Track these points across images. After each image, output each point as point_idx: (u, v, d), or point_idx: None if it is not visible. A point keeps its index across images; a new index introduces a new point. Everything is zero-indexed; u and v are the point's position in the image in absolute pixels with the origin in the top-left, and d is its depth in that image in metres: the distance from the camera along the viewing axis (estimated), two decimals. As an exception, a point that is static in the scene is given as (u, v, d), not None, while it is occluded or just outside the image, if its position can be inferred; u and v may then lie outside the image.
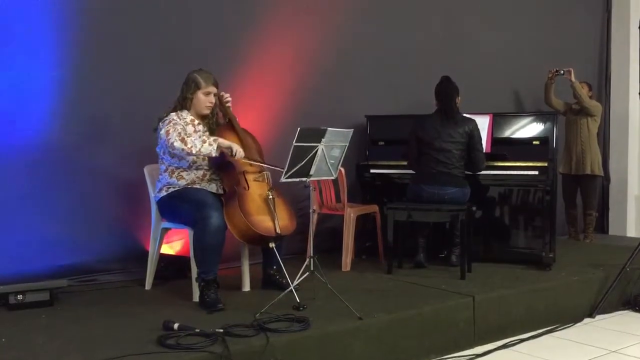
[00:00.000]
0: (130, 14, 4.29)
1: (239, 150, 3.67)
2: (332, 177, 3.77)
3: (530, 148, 4.90)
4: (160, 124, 3.73)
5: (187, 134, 3.66)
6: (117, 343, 2.88)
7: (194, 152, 3.59)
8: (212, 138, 3.66)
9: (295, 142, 3.34)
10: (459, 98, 4.74)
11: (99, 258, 4.20)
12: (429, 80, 4.82)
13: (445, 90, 4.66)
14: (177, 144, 3.58)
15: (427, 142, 4.59)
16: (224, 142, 3.67)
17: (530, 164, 4.74)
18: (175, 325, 3.03)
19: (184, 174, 3.80)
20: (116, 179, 4.27)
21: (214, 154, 3.62)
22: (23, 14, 3.92)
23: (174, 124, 3.68)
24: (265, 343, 2.88)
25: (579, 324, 4.23)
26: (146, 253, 4.10)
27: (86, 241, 4.14)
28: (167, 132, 3.63)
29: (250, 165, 3.84)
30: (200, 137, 3.65)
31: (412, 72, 5.64)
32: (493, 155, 4.84)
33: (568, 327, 4.15)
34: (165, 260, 4.20)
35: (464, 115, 4.68)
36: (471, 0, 6.12)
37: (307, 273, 3.55)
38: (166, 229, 3.99)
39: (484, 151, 4.66)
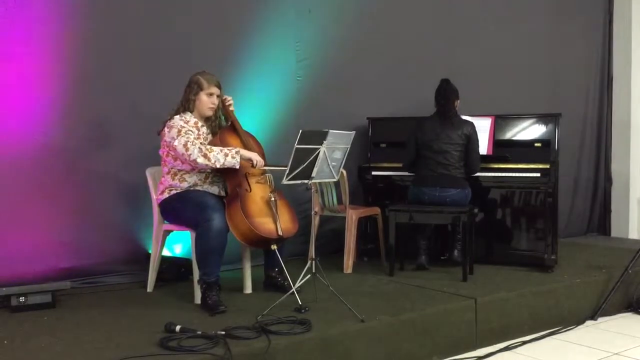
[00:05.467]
0: (133, 17, 4.30)
1: (259, 161, 3.72)
2: (334, 180, 3.77)
3: (532, 150, 4.89)
4: (166, 129, 3.73)
5: (191, 142, 3.63)
6: (119, 345, 2.89)
7: (217, 166, 3.62)
8: (233, 150, 3.67)
9: (297, 144, 3.34)
10: (458, 101, 4.73)
11: (101, 260, 4.20)
12: (431, 83, 4.81)
13: (444, 92, 4.67)
14: (201, 160, 3.59)
15: (426, 144, 4.60)
16: (245, 153, 3.70)
17: (532, 165, 4.74)
18: (177, 328, 3.03)
19: (186, 176, 3.80)
20: (118, 181, 4.27)
21: (237, 167, 3.65)
22: (26, 17, 3.92)
23: (185, 132, 3.66)
24: (267, 345, 2.88)
25: (581, 326, 4.22)
26: (148, 255, 4.11)
27: (88, 243, 4.15)
28: (186, 148, 3.61)
29: (263, 169, 3.85)
30: (221, 150, 3.65)
31: (414, 74, 5.63)
32: (495, 157, 4.84)
33: (570, 329, 4.14)
34: (167, 262, 4.20)
35: (463, 117, 4.68)
36: (473, 3, 6.11)
37: (309, 275, 3.55)
38: (168, 231, 3.99)
39: (479, 153, 4.66)
